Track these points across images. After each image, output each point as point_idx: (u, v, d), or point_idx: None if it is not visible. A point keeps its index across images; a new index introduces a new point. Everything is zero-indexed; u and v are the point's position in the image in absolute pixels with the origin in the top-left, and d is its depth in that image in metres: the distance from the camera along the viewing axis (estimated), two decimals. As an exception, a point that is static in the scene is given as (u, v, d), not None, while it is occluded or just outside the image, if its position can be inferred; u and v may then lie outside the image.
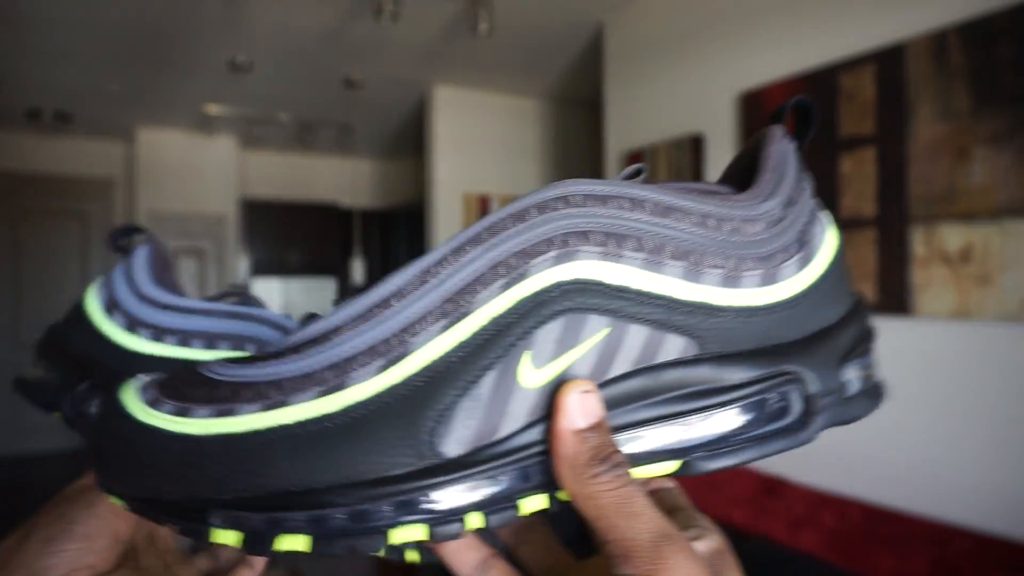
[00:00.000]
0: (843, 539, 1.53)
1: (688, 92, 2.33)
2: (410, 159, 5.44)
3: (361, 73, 3.42)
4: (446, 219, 3.65)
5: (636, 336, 0.21)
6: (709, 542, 0.24)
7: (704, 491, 1.84)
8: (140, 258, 0.36)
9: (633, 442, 0.21)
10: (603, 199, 0.21)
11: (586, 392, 0.21)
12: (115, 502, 0.22)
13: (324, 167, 5.47)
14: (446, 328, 0.20)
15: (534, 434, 0.21)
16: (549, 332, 0.20)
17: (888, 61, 1.66)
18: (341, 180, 5.48)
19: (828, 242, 0.24)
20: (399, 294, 0.21)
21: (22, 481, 4.21)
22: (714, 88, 2.21)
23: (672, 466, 0.22)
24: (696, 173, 2.23)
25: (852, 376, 0.23)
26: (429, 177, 3.70)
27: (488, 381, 0.20)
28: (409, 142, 4.93)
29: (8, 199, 4.66)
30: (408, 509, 0.20)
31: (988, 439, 1.51)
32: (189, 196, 4.68)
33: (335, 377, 0.20)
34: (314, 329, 0.21)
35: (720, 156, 2.18)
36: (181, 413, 0.20)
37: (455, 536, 0.20)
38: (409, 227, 4.99)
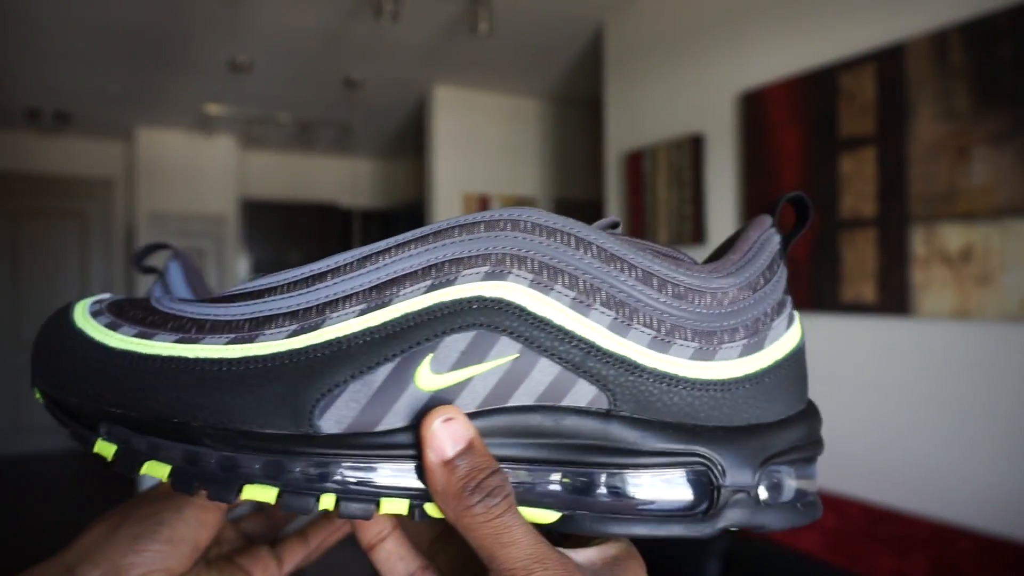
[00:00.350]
0: (843, 539, 1.53)
1: (688, 92, 2.33)
2: (410, 159, 5.44)
3: (361, 73, 3.42)
4: (446, 218, 3.64)
5: (545, 371, 0.21)
6: (605, 550, 0.23)
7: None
8: (175, 274, 0.36)
9: (514, 479, 0.21)
10: (551, 232, 0.21)
11: (448, 420, 0.20)
12: (37, 396, 0.22)
13: (324, 167, 5.46)
14: (363, 313, 0.21)
15: (413, 437, 0.21)
16: (456, 341, 0.20)
17: (888, 61, 1.66)
18: (341, 180, 5.47)
19: (787, 338, 0.23)
20: (336, 271, 0.21)
21: (22, 481, 4.21)
22: (714, 88, 2.21)
23: (551, 516, 0.21)
24: (696, 173, 2.23)
25: (788, 483, 0.22)
26: (429, 177, 3.70)
27: (383, 371, 0.20)
28: (409, 142, 4.93)
29: (8, 199, 4.66)
30: (268, 470, 0.20)
31: (989, 439, 1.50)
32: (189, 196, 4.68)
33: (250, 330, 0.21)
34: (252, 284, 0.22)
35: (720, 156, 2.18)
36: (111, 327, 0.21)
37: (305, 510, 0.20)
38: (409, 227, 4.97)
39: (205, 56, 3.15)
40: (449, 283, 0.21)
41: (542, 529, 0.21)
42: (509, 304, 0.20)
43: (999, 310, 1.46)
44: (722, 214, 2.17)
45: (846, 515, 1.64)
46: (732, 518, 0.21)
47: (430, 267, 0.21)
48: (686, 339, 0.21)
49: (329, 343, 0.20)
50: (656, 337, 0.21)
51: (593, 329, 0.21)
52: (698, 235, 2.22)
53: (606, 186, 2.74)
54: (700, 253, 2.33)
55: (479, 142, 3.74)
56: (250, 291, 0.22)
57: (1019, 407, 1.45)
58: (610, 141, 2.72)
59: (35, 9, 2.59)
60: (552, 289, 0.21)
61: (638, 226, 2.48)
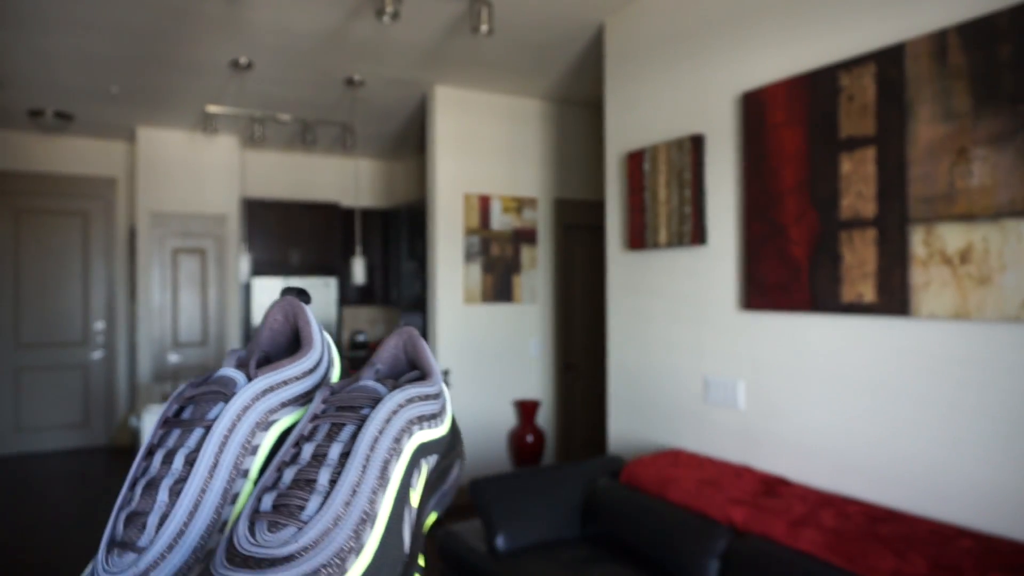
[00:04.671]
0: (843, 539, 1.53)
1: (688, 92, 2.33)
2: (411, 159, 5.44)
3: (362, 73, 3.43)
4: (447, 219, 3.65)
5: (430, 462, 0.33)
6: None
7: (705, 490, 1.84)
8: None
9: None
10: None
11: None
12: None
13: (325, 167, 5.47)
14: (375, 513, 0.28)
15: None
16: (414, 475, 0.31)
17: (888, 61, 1.66)
18: (341, 180, 5.48)
19: (449, 413, 0.36)
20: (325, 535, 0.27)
21: (25, 477, 4.22)
22: (714, 88, 2.22)
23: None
24: (696, 173, 2.23)
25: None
26: (430, 177, 3.70)
27: (404, 508, 0.30)
28: (410, 142, 4.93)
29: (10, 198, 4.66)
30: None
31: (988, 439, 1.51)
32: (190, 196, 4.68)
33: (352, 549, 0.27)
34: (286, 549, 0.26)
35: (720, 156, 2.18)
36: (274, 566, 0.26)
37: None
38: (410, 226, 4.99)
39: (206, 56, 3.16)
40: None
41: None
42: (423, 444, 0.32)
43: (998, 310, 1.46)
44: (722, 214, 2.18)
45: (846, 515, 1.64)
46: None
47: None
48: (436, 425, 0.35)
49: None
50: (442, 418, 0.35)
51: (436, 431, 0.35)
52: (698, 235, 2.22)
53: (606, 186, 2.74)
54: (700, 253, 2.32)
55: (479, 142, 3.74)
56: (286, 557, 0.27)
57: (1018, 407, 1.45)
58: (610, 141, 2.72)
59: (37, 10, 2.60)
60: (423, 423, 0.33)
61: (638, 226, 2.48)
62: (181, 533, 0.27)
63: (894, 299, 1.65)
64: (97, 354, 4.98)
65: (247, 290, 4.91)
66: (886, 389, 1.70)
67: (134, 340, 4.88)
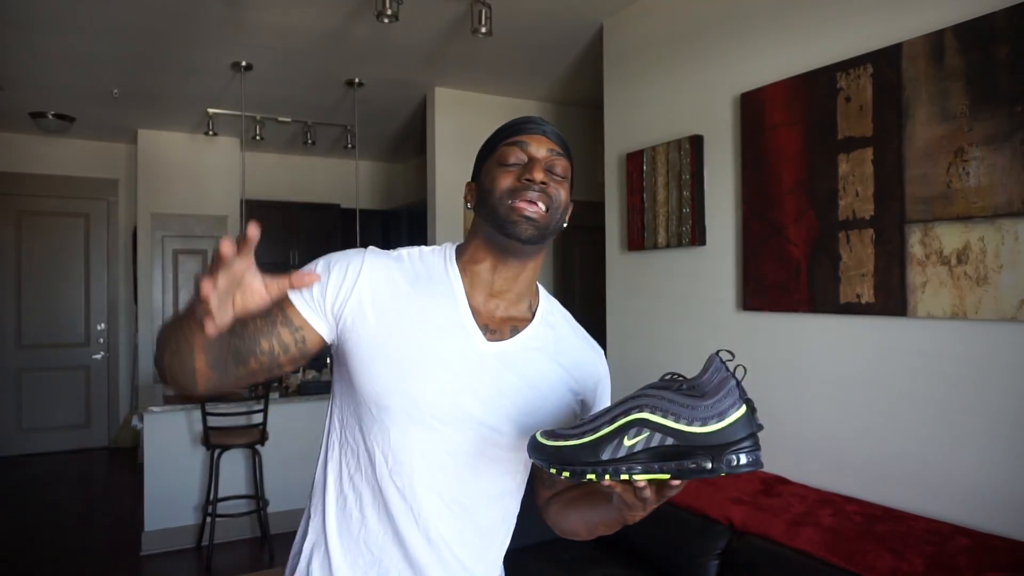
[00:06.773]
0: (841, 538, 1.53)
1: (687, 93, 2.34)
2: (411, 160, 5.45)
3: (362, 74, 3.43)
4: (447, 220, 3.66)
5: (653, 436, 0.60)
6: None
7: (704, 489, 1.85)
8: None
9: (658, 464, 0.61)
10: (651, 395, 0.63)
11: None
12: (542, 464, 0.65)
13: (325, 168, 5.48)
14: (598, 430, 0.62)
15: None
16: (632, 431, 0.60)
17: (885, 62, 1.67)
18: (342, 181, 5.48)
19: (736, 411, 0.58)
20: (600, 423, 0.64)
21: (27, 478, 4.23)
22: (713, 89, 2.22)
23: (665, 476, 0.60)
24: (695, 173, 2.24)
25: (741, 457, 0.58)
26: (430, 178, 3.71)
27: (614, 442, 0.61)
28: (410, 143, 4.94)
29: (12, 200, 4.68)
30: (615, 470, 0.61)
31: (985, 438, 1.51)
32: (191, 197, 4.69)
33: (580, 434, 0.63)
34: (578, 431, 0.64)
35: (719, 157, 2.19)
36: (557, 438, 0.64)
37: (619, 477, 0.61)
38: (410, 228, 4.99)
39: (207, 58, 3.17)
40: (627, 415, 0.62)
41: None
42: (644, 420, 0.60)
43: (995, 310, 1.47)
44: (722, 214, 2.18)
45: (844, 514, 1.65)
46: (716, 472, 0.58)
47: (617, 414, 0.62)
48: (702, 422, 0.59)
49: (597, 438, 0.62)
50: (692, 420, 0.59)
51: (673, 423, 0.59)
52: (697, 236, 2.23)
53: (605, 187, 2.75)
54: (699, 254, 2.31)
55: (479, 143, 3.73)
56: (582, 430, 0.64)
57: (1016, 406, 1.46)
58: (609, 142, 2.73)
59: (39, 12, 2.61)
60: (656, 411, 0.60)
61: (637, 227, 2.49)
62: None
63: (892, 299, 1.66)
64: (99, 355, 4.99)
65: (248, 291, 4.92)
66: (884, 388, 1.71)
67: (135, 341, 4.89)
